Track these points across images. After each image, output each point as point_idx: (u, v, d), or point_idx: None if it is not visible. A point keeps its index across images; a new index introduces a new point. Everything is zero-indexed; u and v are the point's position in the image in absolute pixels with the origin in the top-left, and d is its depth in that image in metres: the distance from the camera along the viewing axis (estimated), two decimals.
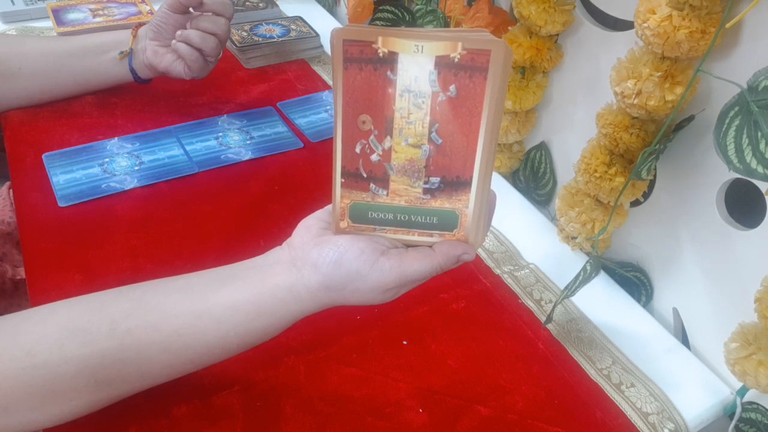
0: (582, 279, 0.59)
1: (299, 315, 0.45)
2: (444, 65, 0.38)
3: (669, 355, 0.62)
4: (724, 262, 0.59)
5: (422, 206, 0.42)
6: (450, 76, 0.38)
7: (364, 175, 0.42)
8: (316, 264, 0.43)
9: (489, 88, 0.38)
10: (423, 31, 0.38)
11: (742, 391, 0.58)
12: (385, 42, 0.37)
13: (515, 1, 0.68)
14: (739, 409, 0.57)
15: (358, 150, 0.41)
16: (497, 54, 0.37)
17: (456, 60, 0.37)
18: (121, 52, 0.79)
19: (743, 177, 0.48)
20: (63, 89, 0.82)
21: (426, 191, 0.42)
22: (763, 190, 0.54)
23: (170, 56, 0.77)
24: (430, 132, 0.40)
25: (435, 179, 0.41)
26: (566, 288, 0.60)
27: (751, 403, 0.57)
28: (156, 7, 1.03)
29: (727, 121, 0.46)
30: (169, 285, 0.46)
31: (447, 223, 0.43)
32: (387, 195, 0.42)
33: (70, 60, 0.80)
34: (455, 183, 0.41)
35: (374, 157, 0.41)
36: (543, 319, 0.63)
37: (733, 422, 0.57)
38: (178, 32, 0.75)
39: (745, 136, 0.44)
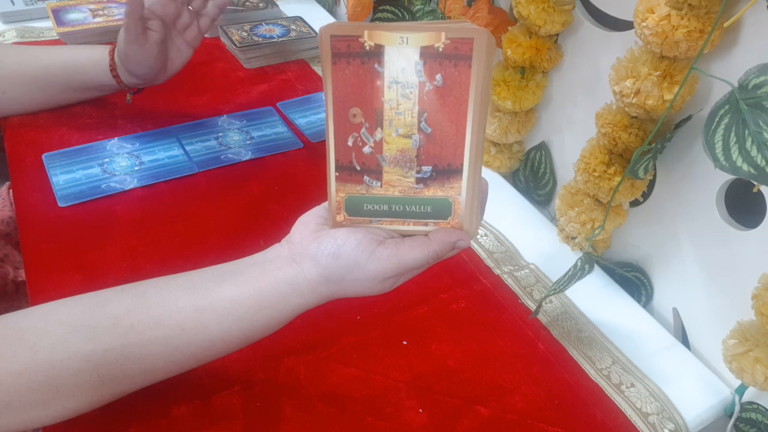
0: (571, 274, 0.59)
1: (300, 309, 0.45)
2: (429, 55, 0.38)
3: (669, 355, 0.62)
4: (723, 262, 0.59)
5: (416, 195, 0.43)
6: (435, 65, 0.39)
7: (358, 168, 0.42)
8: (315, 257, 0.44)
9: (474, 76, 0.39)
10: (407, 23, 0.38)
11: (740, 390, 0.58)
12: (371, 35, 0.38)
13: (515, 0, 0.68)
14: (737, 408, 0.57)
15: (350, 143, 0.42)
16: (480, 42, 0.38)
17: (440, 50, 0.38)
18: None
19: (729, 174, 0.48)
20: (53, 105, 0.82)
21: (419, 180, 0.42)
22: (764, 191, 0.54)
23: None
24: (419, 122, 0.40)
25: (427, 168, 0.42)
26: (556, 283, 0.60)
27: (751, 403, 0.57)
28: None
29: (716, 119, 0.46)
30: (171, 282, 0.46)
31: (441, 211, 0.43)
32: (381, 186, 0.43)
33: (53, 90, 0.79)
34: (447, 171, 0.42)
35: (366, 150, 0.42)
36: (543, 319, 0.63)
37: (732, 421, 0.57)
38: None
39: (733, 134, 0.44)
